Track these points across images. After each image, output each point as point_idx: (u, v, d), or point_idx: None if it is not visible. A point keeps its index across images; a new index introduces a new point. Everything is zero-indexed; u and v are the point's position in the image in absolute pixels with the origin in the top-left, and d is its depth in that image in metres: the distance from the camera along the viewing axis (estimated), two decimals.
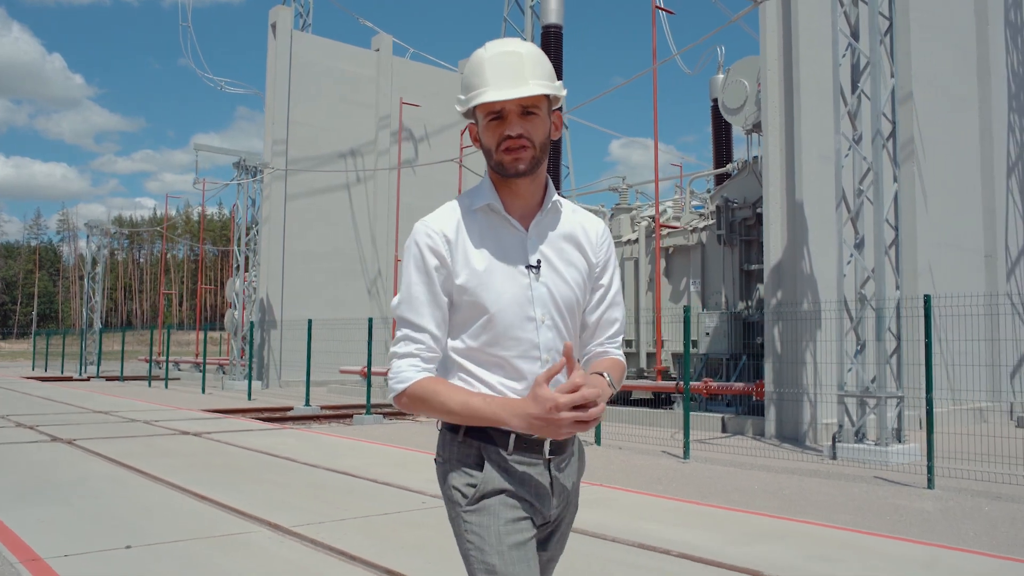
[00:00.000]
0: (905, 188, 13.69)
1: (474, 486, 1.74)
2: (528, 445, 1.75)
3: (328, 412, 15.14)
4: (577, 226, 1.86)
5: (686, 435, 9.17)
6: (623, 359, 1.92)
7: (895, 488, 7.51)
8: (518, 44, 1.76)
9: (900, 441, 8.95)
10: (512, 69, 1.71)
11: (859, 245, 9.39)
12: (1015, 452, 8.81)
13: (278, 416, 14.47)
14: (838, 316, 9.94)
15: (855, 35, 9.70)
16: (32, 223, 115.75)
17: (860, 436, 9.14)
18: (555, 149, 21.47)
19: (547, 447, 1.76)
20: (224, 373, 24.61)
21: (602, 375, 1.75)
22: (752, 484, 7.67)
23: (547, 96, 1.75)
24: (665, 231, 17.49)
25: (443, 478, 1.80)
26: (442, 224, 1.77)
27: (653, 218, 18.14)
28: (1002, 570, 4.57)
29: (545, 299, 1.77)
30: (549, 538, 1.85)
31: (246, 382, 21.08)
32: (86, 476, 7.19)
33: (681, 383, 13.85)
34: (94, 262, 32.41)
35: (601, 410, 1.61)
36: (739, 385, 12.18)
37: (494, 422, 1.68)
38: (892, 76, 9.78)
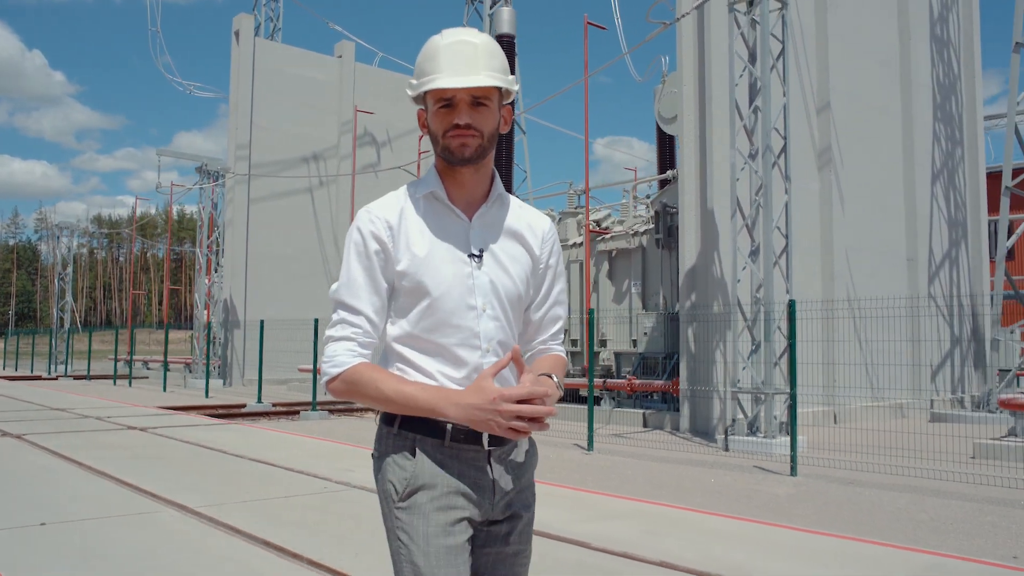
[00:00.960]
0: (823, 194, 14.54)
1: (406, 480, 1.71)
2: (466, 437, 1.72)
3: (279, 409, 15.79)
4: (523, 222, 1.86)
5: (590, 428, 9.92)
6: (565, 356, 1.94)
7: (764, 475, 8.29)
8: (474, 34, 1.75)
9: (788, 434, 9.73)
10: (466, 58, 1.70)
11: (754, 252, 10.17)
12: (905, 444, 9.60)
13: (229, 412, 15.11)
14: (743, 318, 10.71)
15: (752, 57, 10.47)
16: (10, 222, 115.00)
17: (754, 429, 9.92)
18: (508, 152, 22.19)
19: (486, 438, 1.72)
20: (190, 372, 25.17)
21: (550, 376, 1.75)
22: (637, 473, 8.42)
23: (499, 89, 1.75)
24: (609, 235, 18.25)
25: (377, 472, 1.79)
26: (384, 211, 1.78)
27: (596, 222, 18.93)
28: (802, 540, 5.32)
29: (486, 289, 1.76)
30: (509, 533, 1.81)
31: (200, 380, 21.69)
32: (23, 466, 7.82)
33: (609, 380, 14.65)
34: (64, 263, 32.78)
35: (549, 411, 1.60)
36: (659, 383, 12.96)
37: (430, 411, 1.66)
38: (784, 95, 10.53)
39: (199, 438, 10.20)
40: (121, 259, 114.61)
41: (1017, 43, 14.39)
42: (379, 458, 1.78)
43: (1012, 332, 14.35)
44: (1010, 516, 6.35)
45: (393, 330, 1.78)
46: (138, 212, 36.81)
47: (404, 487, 1.71)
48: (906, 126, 16.75)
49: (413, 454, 1.72)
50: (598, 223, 18.98)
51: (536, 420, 1.59)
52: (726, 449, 9.81)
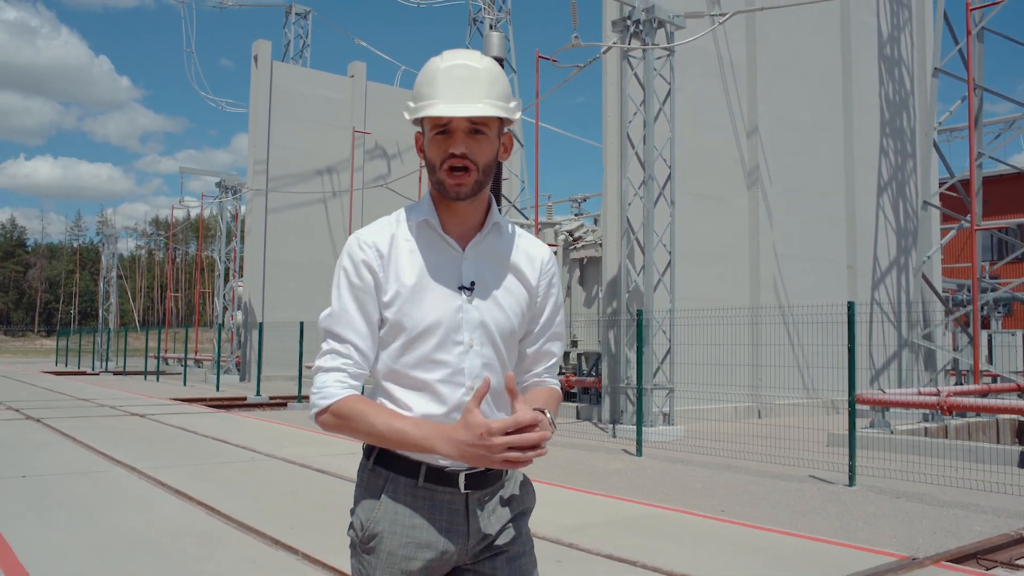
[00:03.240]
0: (751, 209, 16.00)
1: (369, 520, 1.68)
2: (442, 477, 1.66)
3: (274, 401, 17.85)
4: (520, 251, 1.80)
5: None
6: (559, 389, 1.88)
7: (617, 456, 9.94)
8: (476, 58, 1.69)
9: (668, 423, 11.34)
10: (465, 84, 1.64)
11: (645, 267, 11.78)
12: (775, 435, 11.08)
13: (229, 404, 17.20)
14: (646, 323, 12.30)
15: (645, 96, 12.05)
16: (74, 225, 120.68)
17: (650, 419, 11.54)
18: (498, 163, 23.95)
19: (462, 481, 1.67)
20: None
21: (543, 412, 1.62)
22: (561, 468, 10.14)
23: (499, 117, 1.68)
24: (580, 243, 19.93)
25: (353, 503, 1.75)
26: (375, 237, 1.71)
27: (570, 232, 20.61)
28: (596, 504, 7.00)
29: (475, 324, 1.70)
30: (492, 570, 1.73)
31: (227, 376, 23.99)
32: (29, 440, 9.90)
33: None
34: (109, 267, 35.56)
35: (542, 437, 1.52)
36: (590, 379, 14.60)
37: (423, 447, 1.57)
38: (670, 131, 12.10)
39: (183, 423, 12.23)
40: (178, 260, 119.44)
41: (936, 68, 15.69)
42: (356, 489, 1.75)
43: (925, 336, 15.58)
44: (794, 489, 7.92)
45: (379, 364, 1.72)
46: (186, 216, 39.58)
47: (364, 530, 1.68)
48: (848, 142, 18.04)
49: (380, 495, 1.68)
50: (571, 233, 20.66)
51: (532, 448, 1.51)
52: (614, 436, 11.46)
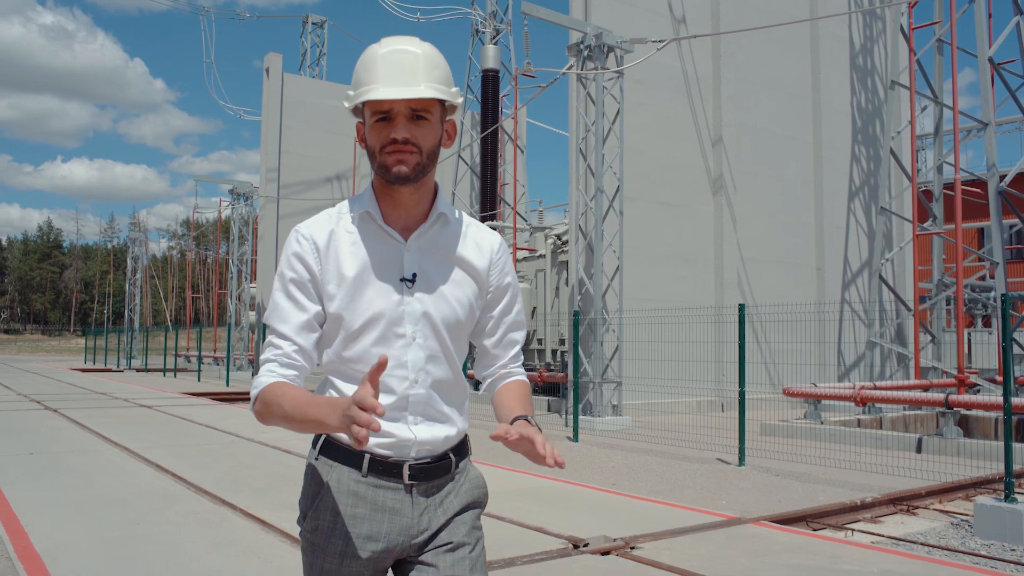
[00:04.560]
0: (716, 215, 16.97)
1: (310, 508, 1.70)
2: (386, 468, 1.67)
3: None
4: (468, 241, 1.76)
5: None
6: (526, 378, 1.87)
7: (559, 442, 11.03)
8: (415, 43, 1.66)
9: (619, 415, 12.41)
10: (405, 68, 1.61)
11: (595, 273, 12.86)
12: (717, 425, 12.12)
13: (232, 397, 18.54)
14: (596, 323, 13.38)
15: (603, 114, 13.12)
16: (108, 226, 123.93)
17: (588, 410, 12.62)
18: (493, 167, 25.10)
19: (406, 472, 1.67)
20: (234, 365, 29.06)
21: (527, 419, 1.66)
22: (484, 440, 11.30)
23: (441, 102, 1.66)
24: (567, 247, 21.02)
25: (300, 496, 1.76)
26: (314, 231, 1.70)
27: (558, 236, 21.69)
28: (506, 478, 8.11)
29: (417, 316, 1.68)
30: (439, 568, 1.70)
31: (239, 373, 25.44)
32: (44, 426, 11.25)
33: (529, 373, 17.41)
34: (134, 269, 37.28)
35: (371, 418, 1.37)
36: (560, 375, 15.69)
37: (318, 422, 1.52)
38: (619, 146, 13.14)
39: (183, 413, 13.54)
40: (209, 260, 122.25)
41: (892, 81, 16.55)
42: (304, 479, 1.76)
43: (882, 336, 16.44)
44: (692, 469, 8.98)
45: (324, 357, 1.72)
46: (206, 220, 41.37)
47: (308, 519, 1.70)
48: (817, 149, 18.94)
49: (323, 484, 1.69)
50: (559, 236, 21.75)
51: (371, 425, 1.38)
52: (566, 425, 12.55)
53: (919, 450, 9.96)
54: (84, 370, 31.54)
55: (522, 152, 29.49)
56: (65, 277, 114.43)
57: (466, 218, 1.81)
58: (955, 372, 13.59)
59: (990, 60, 15.20)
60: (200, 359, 25.33)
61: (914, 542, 6.19)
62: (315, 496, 1.70)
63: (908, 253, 21.03)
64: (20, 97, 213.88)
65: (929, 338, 17.75)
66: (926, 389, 13.23)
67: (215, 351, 24.89)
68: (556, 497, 6.83)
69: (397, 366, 1.68)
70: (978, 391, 14.57)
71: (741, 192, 17.17)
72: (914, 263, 14.58)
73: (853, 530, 6.59)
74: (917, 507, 7.35)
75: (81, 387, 20.12)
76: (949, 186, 18.88)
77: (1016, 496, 6.42)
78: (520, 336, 1.87)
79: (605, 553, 5.06)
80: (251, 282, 27.92)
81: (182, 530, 5.41)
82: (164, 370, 28.99)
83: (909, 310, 16.87)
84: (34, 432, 10.66)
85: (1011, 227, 29.86)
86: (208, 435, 10.67)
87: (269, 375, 1.67)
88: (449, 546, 1.72)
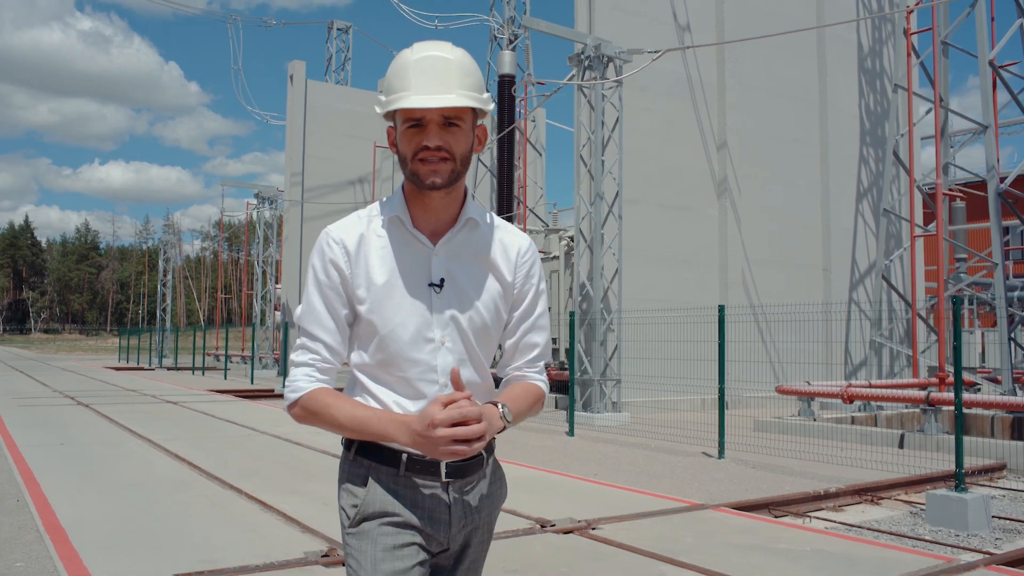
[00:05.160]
0: (720, 217, 17.36)
1: (356, 506, 1.72)
2: (423, 467, 1.70)
3: None
4: (496, 244, 1.79)
5: None
6: (542, 384, 1.87)
7: (556, 436, 11.55)
8: (448, 49, 1.67)
9: (616, 411, 12.89)
10: (438, 75, 1.63)
11: (594, 275, 13.34)
12: (711, 422, 12.53)
13: (257, 394, 19.30)
14: (595, 323, 13.87)
15: (602, 122, 13.60)
16: (143, 228, 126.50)
17: (587, 407, 13.10)
18: (510, 170, 25.63)
19: (443, 469, 1.70)
20: (260, 363, 29.96)
21: (496, 405, 1.69)
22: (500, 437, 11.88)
23: (473, 108, 1.68)
24: None
25: (337, 497, 1.79)
26: (343, 234, 1.73)
27: (571, 237, 22.19)
28: (518, 472, 8.67)
29: (445, 320, 1.71)
30: (456, 566, 1.80)
31: (265, 371, 26.28)
32: (75, 420, 12.02)
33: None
34: (165, 271, 38.41)
35: (480, 431, 1.56)
36: (567, 373, 16.17)
37: (382, 436, 1.63)
38: (619, 153, 13.62)
39: (205, 409, 14.28)
40: (241, 261, 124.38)
41: (896, 85, 16.82)
42: (339, 482, 1.79)
43: (891, 335, 16.72)
44: (675, 461, 9.46)
45: (355, 358, 1.76)
46: (236, 222, 42.34)
47: (354, 514, 1.72)
48: (823, 152, 19.22)
49: (365, 483, 1.72)
50: (572, 239, 22.26)
51: (478, 440, 1.56)
52: (567, 421, 13.04)
53: (901, 445, 10.34)
54: (117, 368, 32.65)
55: (540, 155, 30.03)
56: (102, 278, 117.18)
57: (497, 220, 1.83)
58: (971, 370, 13.85)
59: (991, 63, 15.42)
60: (227, 357, 26.20)
61: (865, 527, 6.63)
62: (358, 492, 1.73)
63: (911, 254, 21.27)
64: (59, 101, 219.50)
65: (934, 337, 17.98)
66: (924, 388, 13.53)
67: (243, 350, 25.82)
68: (538, 485, 7.36)
69: (427, 370, 1.71)
70: (978, 390, 14.81)
71: (745, 194, 17.53)
72: (911, 263, 14.84)
73: (812, 517, 7.04)
74: (883, 498, 7.77)
75: (113, 384, 21.03)
76: (954, 187, 19.10)
77: (966, 487, 6.83)
78: (539, 338, 1.86)
79: (567, 532, 5.59)
80: (276, 283, 28.79)
81: (191, 510, 6.04)
82: (193, 368, 29.96)
83: (910, 307, 17.11)
84: (66, 425, 11.42)
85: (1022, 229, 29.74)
86: (226, 428, 11.35)
87: (308, 380, 1.71)
88: (473, 551, 1.82)
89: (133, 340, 43.32)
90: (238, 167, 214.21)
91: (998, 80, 15.95)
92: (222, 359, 35.54)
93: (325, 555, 4.82)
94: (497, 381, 1.86)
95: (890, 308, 18.44)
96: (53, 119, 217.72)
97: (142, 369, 33.90)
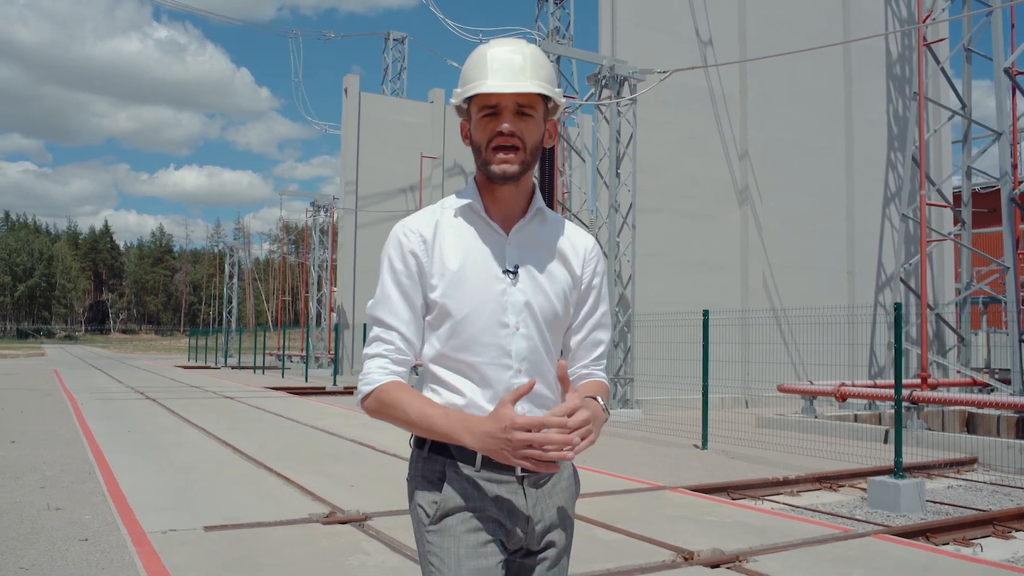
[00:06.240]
0: (741, 224, 18.06)
1: (436, 503, 1.71)
2: (497, 464, 1.69)
3: (348, 389, 21.35)
4: (564, 239, 1.83)
5: None
6: (607, 382, 1.89)
7: None
8: (522, 44, 1.74)
9: (629, 407, 13.82)
10: (513, 66, 1.69)
11: (611, 279, 14.29)
12: (721, 419, 13.36)
13: (309, 391, 20.79)
14: (645, 324, 14.81)
15: (617, 138, 14.53)
16: (214, 231, 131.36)
17: (613, 403, 14.06)
18: (551, 176, 26.63)
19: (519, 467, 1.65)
20: (316, 362, 31.71)
21: (595, 399, 1.70)
22: None
23: (545, 101, 1.74)
24: None
25: (410, 496, 1.78)
26: (419, 224, 1.77)
27: None
28: None
29: (520, 306, 1.74)
30: (535, 567, 1.78)
31: (320, 370, 27.92)
32: (141, 411, 13.56)
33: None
34: (230, 275, 40.60)
35: (565, 440, 1.52)
36: None
37: (449, 437, 1.62)
38: (632, 166, 14.51)
39: (258, 403, 15.73)
40: (309, 264, 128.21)
41: (914, 92, 17.27)
42: (411, 480, 1.79)
43: (915, 338, 17.16)
44: (664, 452, 10.38)
45: (427, 348, 1.77)
46: (297, 227, 44.39)
47: (435, 511, 1.71)
48: (848, 158, 19.71)
49: (443, 478, 1.72)
50: None
51: (556, 448, 1.51)
52: None
53: (886, 441, 11.03)
54: (186, 367, 34.82)
55: (583, 161, 31.00)
56: (175, 280, 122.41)
57: (560, 217, 1.89)
58: (979, 371, 14.37)
59: (1006, 71, 15.81)
60: (284, 357, 27.90)
61: (809, 508, 7.49)
62: (436, 488, 1.73)
63: (922, 259, 21.50)
64: (137, 109, 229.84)
65: (957, 339, 18.34)
66: (933, 388, 14.08)
67: (301, 349, 27.57)
68: None
69: (502, 355, 1.72)
70: (992, 391, 15.24)
71: (767, 202, 18.20)
72: (921, 268, 15.29)
73: (767, 500, 7.92)
74: (841, 485, 8.58)
75: (179, 381, 22.85)
76: (978, 193, 19.37)
77: (903, 475, 7.62)
78: (605, 336, 1.90)
79: None
80: (332, 286, 30.46)
81: (226, 484, 7.29)
82: (254, 367, 31.85)
83: (931, 310, 17.52)
84: (134, 416, 12.94)
85: None
86: (272, 420, 12.71)
87: (382, 372, 1.72)
88: (555, 551, 1.80)
89: (202, 340, 45.78)
90: (307, 170, 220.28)
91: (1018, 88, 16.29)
92: (283, 359, 37.50)
93: (327, 517, 5.98)
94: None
95: (906, 311, 18.81)
96: (131, 126, 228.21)
97: (209, 368, 36.02)
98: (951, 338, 19.01)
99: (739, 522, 6.07)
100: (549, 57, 17.19)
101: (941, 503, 7.78)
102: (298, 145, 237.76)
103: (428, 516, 1.72)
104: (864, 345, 19.47)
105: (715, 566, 4.92)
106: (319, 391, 21.51)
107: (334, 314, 30.96)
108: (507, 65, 1.69)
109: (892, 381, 14.27)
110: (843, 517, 7.13)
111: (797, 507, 7.58)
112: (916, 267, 20.93)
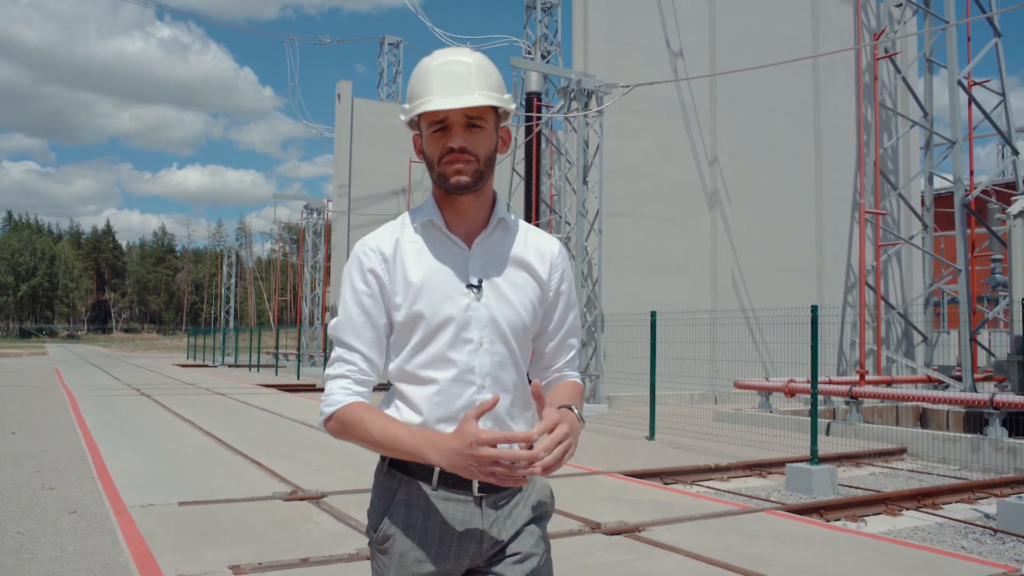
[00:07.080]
0: (711, 228, 18.84)
1: (383, 525, 1.72)
2: (456, 481, 1.68)
3: None
4: (529, 247, 1.81)
5: None
6: (580, 380, 1.91)
7: None
8: (466, 53, 1.72)
9: (596, 402, 14.61)
10: (458, 78, 1.67)
11: (577, 282, 15.07)
12: (682, 413, 14.14)
13: (299, 388, 21.60)
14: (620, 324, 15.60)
15: (585, 148, 15.32)
16: (216, 231, 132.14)
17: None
18: (537, 181, 27.41)
19: (476, 485, 1.69)
20: (310, 361, 32.56)
21: (571, 408, 1.68)
22: None
23: (495, 109, 1.72)
24: None
25: (370, 501, 1.79)
26: (379, 242, 1.75)
27: None
28: None
29: (485, 321, 1.72)
30: (501, 560, 1.75)
31: (313, 368, 28.74)
32: (136, 407, 14.37)
33: None
34: (228, 273, 41.41)
35: (531, 456, 1.51)
36: None
37: (415, 456, 1.61)
38: (599, 174, 15.30)
39: (247, 399, 16.54)
40: (310, 264, 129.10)
41: (880, 104, 18.04)
42: (373, 491, 1.79)
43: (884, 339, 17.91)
44: (611, 442, 11.16)
45: (392, 368, 1.76)
46: (301, 228, 45.11)
47: (379, 532, 1.73)
48: (816, 163, 20.48)
49: (395, 497, 1.72)
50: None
51: (526, 466, 1.50)
52: None
53: (828, 433, 11.81)
54: (184, 365, 35.64)
55: (571, 165, 31.76)
56: (177, 279, 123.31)
57: (523, 224, 1.86)
58: (948, 369, 15.14)
59: (959, 83, 16.56)
60: (277, 355, 28.72)
61: (731, 492, 8.28)
62: (386, 509, 1.73)
63: (901, 259, 22.25)
64: (140, 108, 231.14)
65: (921, 338, 19.12)
66: (876, 384, 14.86)
67: (297, 348, 28.51)
68: None
69: (465, 371, 1.70)
70: (946, 388, 16.00)
71: (736, 206, 18.98)
72: (877, 272, 16.06)
73: (697, 484, 8.70)
74: (770, 472, 9.37)
75: (175, 379, 23.67)
76: (943, 196, 20.13)
77: (819, 461, 8.41)
78: (576, 339, 1.91)
79: None
80: (325, 287, 31.30)
81: (204, 467, 8.10)
82: (250, 366, 32.69)
83: (890, 310, 18.30)
84: (128, 410, 13.75)
85: None
86: (257, 414, 13.52)
87: (344, 393, 1.71)
88: (518, 556, 1.74)
89: (201, 340, 46.60)
90: (310, 169, 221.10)
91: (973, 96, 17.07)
92: (277, 357, 38.34)
93: (288, 495, 6.77)
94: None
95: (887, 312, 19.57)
96: (135, 125, 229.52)
97: (206, 366, 36.84)
98: (917, 337, 19.79)
99: (655, 500, 6.86)
100: (559, 51, 17.95)
101: (853, 487, 8.56)
102: (301, 144, 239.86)
103: (375, 531, 1.76)
104: (832, 344, 20.23)
105: (616, 534, 5.71)
106: (309, 388, 22.32)
107: (327, 314, 31.82)
108: (451, 78, 1.68)
109: (847, 378, 15.09)
110: (756, 498, 7.92)
111: (721, 491, 8.35)
112: (883, 268, 21.71)
